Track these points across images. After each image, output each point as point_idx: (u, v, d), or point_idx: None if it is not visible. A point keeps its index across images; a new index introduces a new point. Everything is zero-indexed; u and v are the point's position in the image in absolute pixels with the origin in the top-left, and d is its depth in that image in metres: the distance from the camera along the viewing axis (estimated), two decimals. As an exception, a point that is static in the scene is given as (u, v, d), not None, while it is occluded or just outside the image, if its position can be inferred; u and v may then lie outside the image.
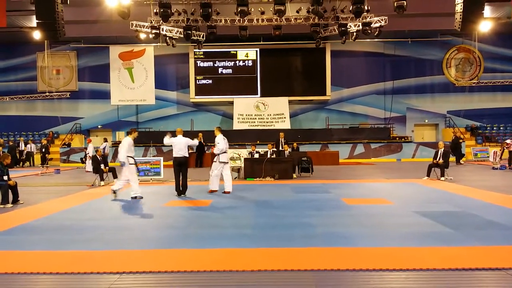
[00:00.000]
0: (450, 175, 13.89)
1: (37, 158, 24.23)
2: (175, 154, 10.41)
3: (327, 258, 4.99)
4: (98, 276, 4.51)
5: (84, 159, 22.04)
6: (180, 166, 10.48)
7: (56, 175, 17.96)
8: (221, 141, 10.93)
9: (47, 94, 27.59)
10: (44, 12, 17.53)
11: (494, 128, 27.76)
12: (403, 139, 26.06)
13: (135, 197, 9.98)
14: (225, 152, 11.00)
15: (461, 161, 21.09)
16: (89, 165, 19.27)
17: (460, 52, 28.74)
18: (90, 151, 19.70)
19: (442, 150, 13.98)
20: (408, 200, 9.46)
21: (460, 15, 18.60)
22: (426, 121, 28.99)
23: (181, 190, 10.46)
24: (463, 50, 28.69)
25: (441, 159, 13.80)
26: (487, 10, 21.80)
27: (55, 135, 28.31)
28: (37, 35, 22.16)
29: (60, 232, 6.59)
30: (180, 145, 10.41)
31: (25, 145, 24.57)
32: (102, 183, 13.29)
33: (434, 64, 28.80)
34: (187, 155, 10.61)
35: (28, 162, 24.51)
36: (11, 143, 24.70)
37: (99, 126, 29.28)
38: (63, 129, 28.76)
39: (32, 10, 19.07)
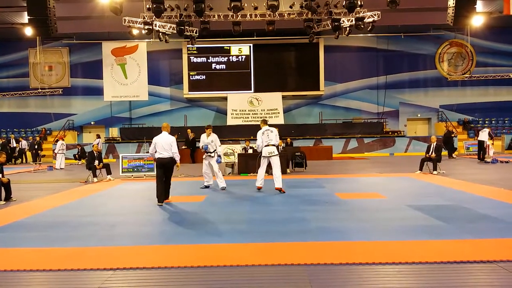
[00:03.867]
0: (442, 169, 13.98)
1: (30, 155, 24.16)
2: (157, 154, 8.78)
3: (321, 252, 5.02)
4: (92, 272, 4.51)
5: (76, 155, 22.02)
6: (163, 169, 8.83)
7: (49, 172, 17.89)
8: (258, 136, 10.25)
9: (40, 90, 27.46)
10: (35, 8, 17.42)
11: (486, 122, 27.95)
12: (396, 134, 26.22)
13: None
14: (267, 146, 10.07)
15: (453, 155, 21.22)
16: (58, 162, 19.33)
17: (453, 47, 28.88)
18: (58, 147, 19.66)
19: (435, 144, 14.07)
20: (401, 194, 9.51)
21: (453, 9, 18.70)
22: (419, 115, 29.14)
23: (164, 195, 8.86)
24: (456, 45, 28.83)
25: (433, 153, 13.89)
26: (479, 5, 21.93)
27: (48, 131, 28.18)
28: (28, 31, 21.99)
29: (54, 229, 6.57)
30: (162, 144, 8.78)
31: (17, 142, 24.42)
32: (95, 179, 13.25)
33: (426, 58, 28.95)
34: (172, 155, 8.83)
35: (20, 159, 24.38)
36: (2, 140, 24.54)
37: (92, 123, 29.17)
38: (55, 126, 28.65)
39: (24, 6, 18.97)
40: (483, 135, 18.39)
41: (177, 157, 8.92)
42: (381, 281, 4.18)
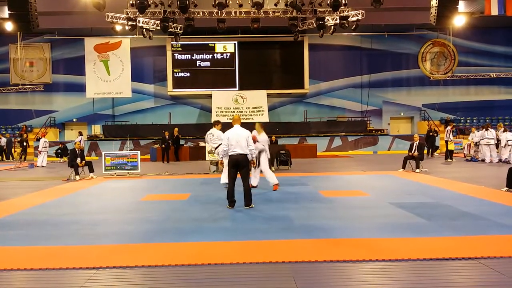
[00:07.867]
0: (425, 167, 14.15)
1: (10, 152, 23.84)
2: (230, 151, 7.85)
3: (305, 250, 5.03)
4: (74, 271, 4.44)
5: (58, 152, 21.72)
6: (237, 168, 7.84)
7: (30, 170, 17.61)
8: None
9: (20, 86, 26.99)
10: (16, 3, 17.16)
11: (468, 121, 28.38)
12: (379, 132, 26.46)
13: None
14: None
15: (435, 153, 21.50)
16: (39, 160, 19.11)
17: (435, 46, 29.23)
18: (41, 145, 19.40)
19: (417, 142, 14.22)
20: (384, 191, 9.59)
21: (436, 9, 18.96)
22: (402, 114, 29.45)
23: (244, 199, 7.85)
24: (438, 44, 29.18)
25: (416, 151, 14.05)
26: (461, 5, 22.23)
27: (29, 128, 27.71)
28: (9, 26, 21.63)
29: (35, 228, 6.46)
30: (236, 139, 7.83)
31: (-3, 139, 24.02)
32: (78, 177, 13.09)
33: (409, 58, 29.25)
34: (247, 152, 7.79)
35: (0, 157, 23.96)
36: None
37: (74, 120, 28.80)
38: (36, 123, 28.20)
39: (4, 0, 18.58)
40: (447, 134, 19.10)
41: (254, 154, 8.01)
42: (365, 278, 4.21)
